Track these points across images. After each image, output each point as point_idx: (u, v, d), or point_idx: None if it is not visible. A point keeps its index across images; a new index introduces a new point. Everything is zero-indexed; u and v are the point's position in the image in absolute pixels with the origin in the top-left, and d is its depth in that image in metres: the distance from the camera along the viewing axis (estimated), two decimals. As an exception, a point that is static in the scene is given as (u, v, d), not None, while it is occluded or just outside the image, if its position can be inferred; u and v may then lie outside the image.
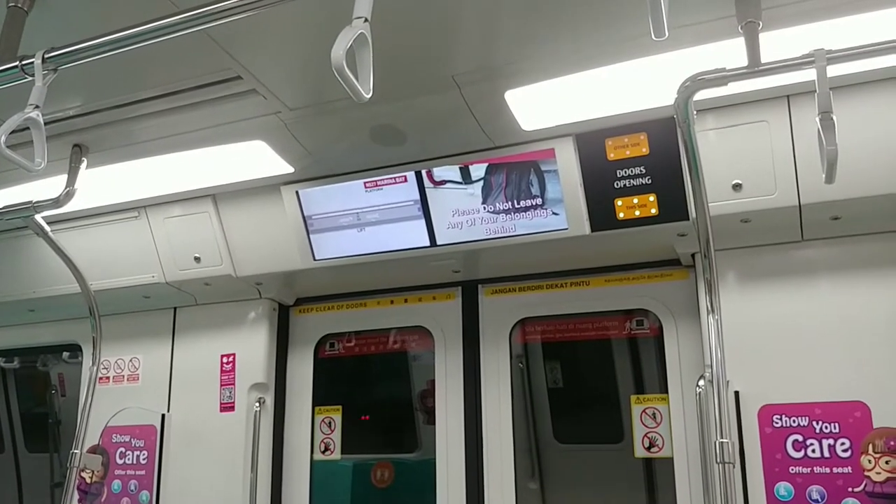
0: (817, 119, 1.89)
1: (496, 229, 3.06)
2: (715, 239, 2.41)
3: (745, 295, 2.93)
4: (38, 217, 3.07)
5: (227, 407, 3.73)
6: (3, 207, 3.02)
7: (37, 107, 2.11)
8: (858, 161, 2.53)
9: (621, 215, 2.89)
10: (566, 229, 2.96)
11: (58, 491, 4.91)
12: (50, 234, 3.17)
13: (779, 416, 2.80)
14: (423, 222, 3.16)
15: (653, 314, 3.34)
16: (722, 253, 2.85)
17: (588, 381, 4.13)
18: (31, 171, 2.12)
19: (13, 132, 2.11)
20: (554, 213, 2.96)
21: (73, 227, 3.65)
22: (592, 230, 2.95)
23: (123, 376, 4.03)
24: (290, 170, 3.15)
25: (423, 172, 3.09)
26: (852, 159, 2.48)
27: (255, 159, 3.07)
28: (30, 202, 2.96)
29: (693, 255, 3.11)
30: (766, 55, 1.93)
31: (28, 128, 2.19)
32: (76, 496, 3.82)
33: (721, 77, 1.96)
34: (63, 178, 2.96)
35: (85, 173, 2.99)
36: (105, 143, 2.95)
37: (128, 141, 2.94)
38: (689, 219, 2.81)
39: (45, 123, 2.17)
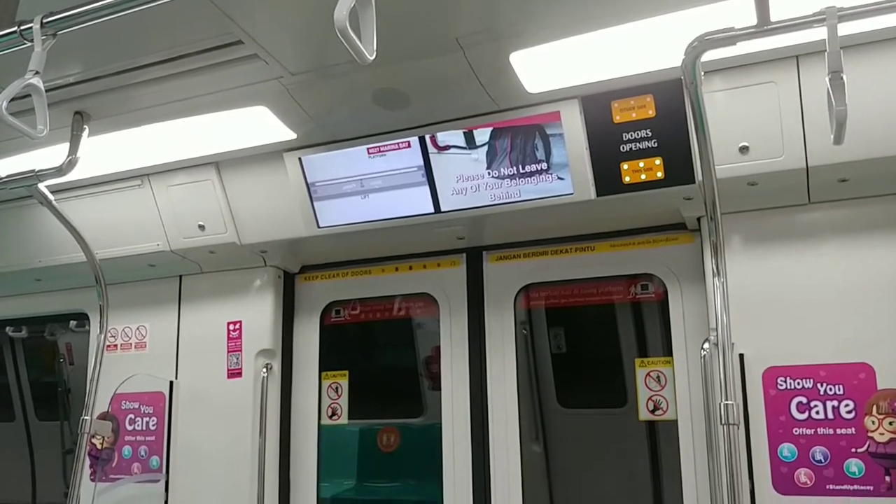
0: (827, 79, 1.86)
1: (501, 195, 3.05)
2: (721, 202, 2.40)
3: (750, 258, 2.93)
4: (42, 186, 3.08)
5: (235, 373, 3.76)
6: (7, 176, 3.03)
7: (37, 73, 2.10)
8: (868, 122, 2.51)
9: (627, 179, 2.88)
10: (571, 194, 2.95)
11: (69, 458, 4.98)
12: (54, 202, 3.17)
13: (783, 379, 2.81)
14: (426, 188, 3.14)
15: (657, 278, 3.33)
16: (728, 216, 2.83)
17: (592, 346, 4.15)
18: (34, 137, 2.12)
19: (14, 100, 2.10)
20: (559, 178, 2.94)
21: (76, 195, 3.64)
22: (598, 195, 2.93)
23: (131, 344, 4.06)
24: (293, 136, 3.13)
25: (427, 138, 3.07)
26: (862, 120, 2.45)
27: (258, 126, 3.05)
28: (33, 171, 2.97)
29: (699, 219, 3.10)
30: (776, 14, 1.90)
31: (29, 95, 2.19)
32: (87, 462, 3.86)
33: (729, 37, 1.94)
34: (65, 146, 2.96)
35: (87, 141, 2.98)
36: (106, 110, 2.93)
37: (129, 108, 2.92)
38: (695, 182, 2.79)
39: (46, 91, 2.17)
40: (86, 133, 2.96)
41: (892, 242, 2.75)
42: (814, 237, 2.87)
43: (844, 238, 2.83)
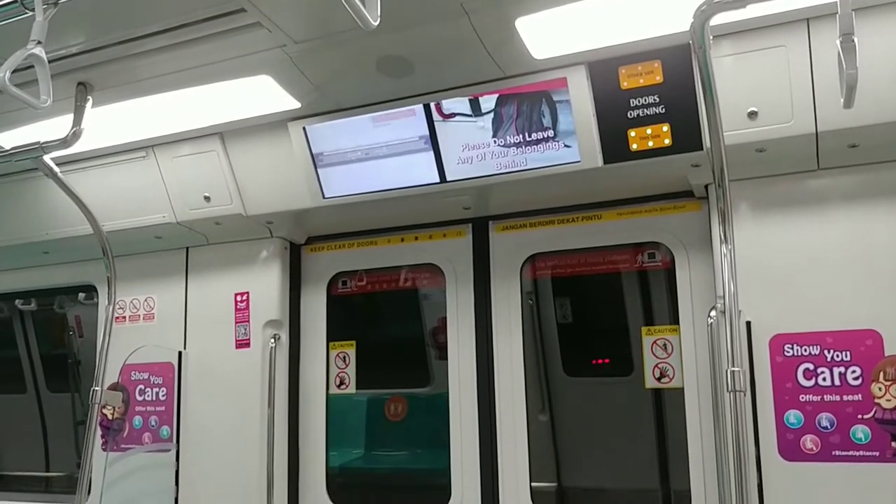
0: (838, 42, 1.84)
1: (507, 163, 3.03)
2: (729, 169, 2.38)
3: (758, 225, 2.91)
4: (47, 158, 3.08)
5: (243, 344, 3.78)
6: (12, 148, 3.03)
7: (39, 42, 2.09)
8: (879, 86, 2.48)
9: (634, 146, 2.85)
10: (578, 162, 2.93)
11: (81, 428, 5.04)
12: (59, 175, 3.18)
13: (790, 345, 2.81)
14: (432, 158, 3.12)
15: (664, 247, 3.32)
16: (736, 183, 2.82)
17: (598, 315, 4.16)
18: (38, 108, 2.11)
19: (17, 71, 2.09)
20: (566, 146, 2.92)
21: (82, 168, 3.64)
22: (605, 162, 2.91)
23: (139, 315, 4.08)
24: (297, 105, 3.11)
25: (432, 105, 3.04)
26: (872, 84, 2.43)
27: (262, 95, 3.03)
28: (38, 143, 2.96)
29: (706, 187, 3.08)
30: (787, -26, 1.87)
31: (32, 66, 2.18)
32: (99, 432, 3.91)
33: (739, -1, 1.91)
34: (69, 118, 2.95)
35: (91, 112, 2.97)
36: (110, 80, 2.91)
37: (132, 78, 2.91)
38: (702, 149, 2.77)
39: (49, 62, 2.16)
40: (89, 104, 2.95)
41: (901, 209, 2.74)
42: (822, 204, 2.85)
43: (853, 204, 2.81)
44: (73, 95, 2.93)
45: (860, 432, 2.69)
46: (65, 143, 2.92)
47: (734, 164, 2.64)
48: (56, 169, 3.15)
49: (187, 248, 4.01)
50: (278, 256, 3.83)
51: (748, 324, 2.84)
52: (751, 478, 2.64)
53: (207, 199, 3.57)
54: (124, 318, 4.09)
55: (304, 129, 3.25)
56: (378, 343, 4.39)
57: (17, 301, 5.12)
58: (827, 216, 2.84)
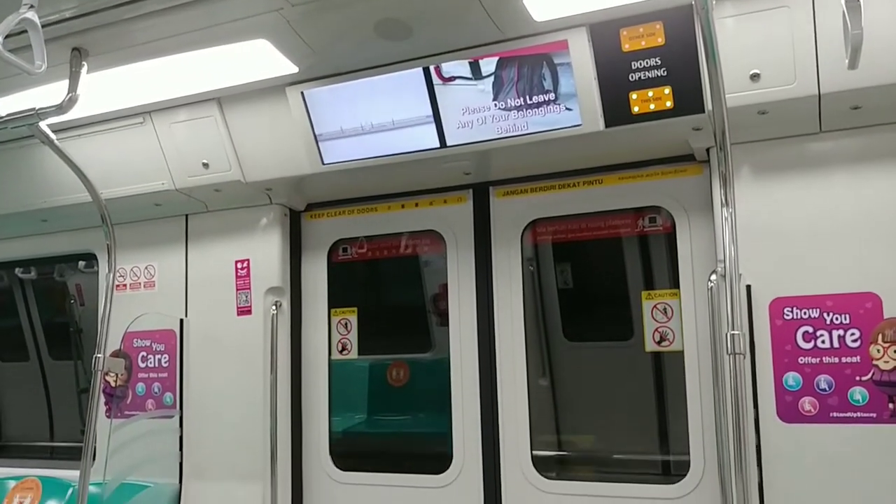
0: (843, 2, 1.81)
1: (507, 127, 3.01)
2: (731, 132, 2.35)
3: (759, 189, 2.90)
4: (43, 125, 3.06)
5: (244, 311, 3.79)
6: (7, 115, 3.00)
7: (32, 6, 2.07)
8: (883, 46, 2.45)
9: (636, 109, 2.83)
10: (580, 125, 2.91)
11: (84, 396, 5.08)
12: (56, 142, 3.15)
13: (790, 309, 2.82)
14: (432, 122, 3.10)
15: (665, 211, 3.32)
16: (737, 147, 2.81)
17: (598, 280, 4.17)
18: (32, 73, 2.09)
19: (10, 36, 2.07)
20: (567, 109, 2.90)
21: (78, 134, 3.61)
22: (606, 126, 2.89)
23: (140, 283, 4.09)
24: (295, 69, 3.08)
25: (431, 69, 3.01)
26: (877, 45, 2.40)
27: (259, 59, 2.99)
28: (33, 109, 2.93)
29: (708, 150, 3.07)
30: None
31: (26, 31, 2.15)
32: (102, 399, 3.94)
33: (743, -43, 1.87)
34: (65, 84, 2.91)
35: (86, 78, 2.93)
36: (104, 45, 2.87)
37: (127, 43, 2.86)
38: (704, 112, 2.75)
39: (42, 26, 2.13)
40: (84, 69, 2.91)
41: (904, 171, 2.73)
42: (824, 167, 2.84)
43: (854, 167, 2.80)
44: (68, 61, 2.89)
45: (858, 394, 2.71)
46: (60, 109, 2.89)
47: (736, 127, 2.63)
48: (52, 136, 3.13)
49: (187, 216, 4.00)
50: (278, 223, 3.82)
51: (748, 287, 2.85)
52: (749, 439, 2.66)
53: (206, 165, 3.55)
54: (125, 286, 4.10)
55: (301, 93, 3.22)
56: (380, 309, 4.41)
57: (16, 270, 5.12)
58: (828, 179, 2.83)
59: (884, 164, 2.75)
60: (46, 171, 3.77)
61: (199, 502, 3.81)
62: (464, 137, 3.09)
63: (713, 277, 2.90)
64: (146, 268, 4.08)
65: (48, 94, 3.03)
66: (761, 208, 2.88)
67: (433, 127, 3.12)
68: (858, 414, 2.70)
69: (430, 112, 3.09)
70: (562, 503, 3.36)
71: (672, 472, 3.52)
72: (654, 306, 3.33)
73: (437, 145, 3.15)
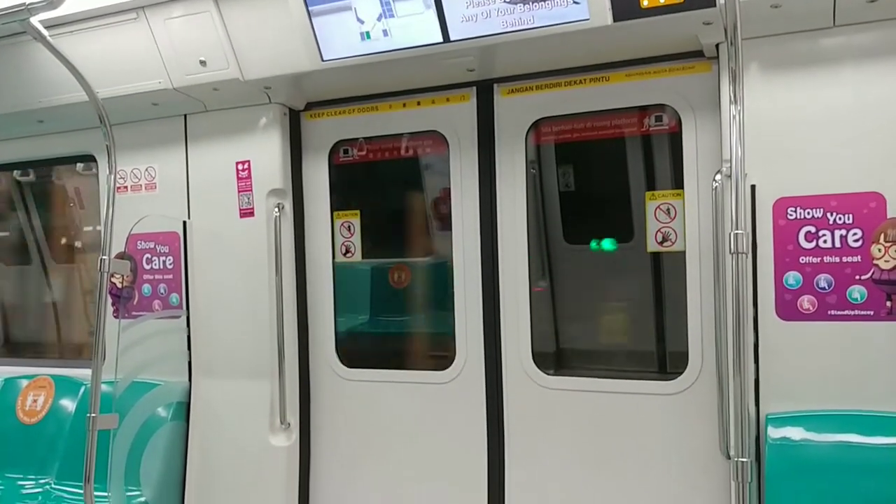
0: None
1: (513, 21, 2.92)
2: (742, 27, 2.29)
3: (768, 86, 2.85)
4: (35, 21, 2.97)
5: (247, 213, 3.79)
6: (-4, 10, 2.91)
7: None
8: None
9: (645, 3, 2.74)
10: (587, 20, 2.82)
11: (89, 298, 5.15)
12: (49, 38, 3.07)
13: (793, 209, 2.83)
14: (434, 14, 3.00)
15: (672, 109, 3.26)
16: (747, 42, 2.74)
17: (601, 181, 4.16)
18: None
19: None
20: (574, 3, 2.80)
21: (71, 31, 3.50)
22: (615, 20, 2.81)
23: (141, 185, 4.07)
24: (292, -40, 2.96)
25: (435, -42, 2.90)
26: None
27: (256, -50, 2.88)
28: (23, 3, 2.84)
29: (717, 46, 2.99)
30: None
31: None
32: (109, 300, 3.99)
33: None
34: (54, -23, 2.81)
35: (77, -30, 2.83)
36: (94, -65, 2.76)
37: (118, -68, 2.75)
38: (715, 5, 2.66)
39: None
40: (74, -39, 2.81)
41: (917, 67, 2.68)
42: (834, 63, 2.79)
43: (866, 63, 2.75)
44: (55, -48, 2.79)
45: (857, 292, 2.75)
46: (51, 3, 2.80)
47: (747, 21, 2.55)
48: (45, 32, 3.04)
49: (185, 116, 3.94)
50: (278, 123, 3.77)
51: (753, 187, 2.84)
52: (748, 337, 2.72)
53: (203, 63, 3.47)
54: (125, 187, 4.08)
55: (299, -14, 3.11)
56: (382, 212, 4.41)
57: (14, 172, 5.08)
58: (838, 76, 2.78)
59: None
60: (41, 70, 3.68)
61: (209, 398, 3.92)
62: (467, 32, 3.00)
63: (718, 177, 2.89)
64: (146, 169, 4.05)
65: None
66: (769, 106, 2.84)
67: (436, 20, 3.02)
68: (856, 312, 2.75)
69: (432, 3, 2.98)
70: (562, 398, 3.46)
71: (669, 368, 3.61)
72: (658, 207, 3.33)
73: (440, 40, 3.06)
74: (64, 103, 3.77)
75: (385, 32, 3.13)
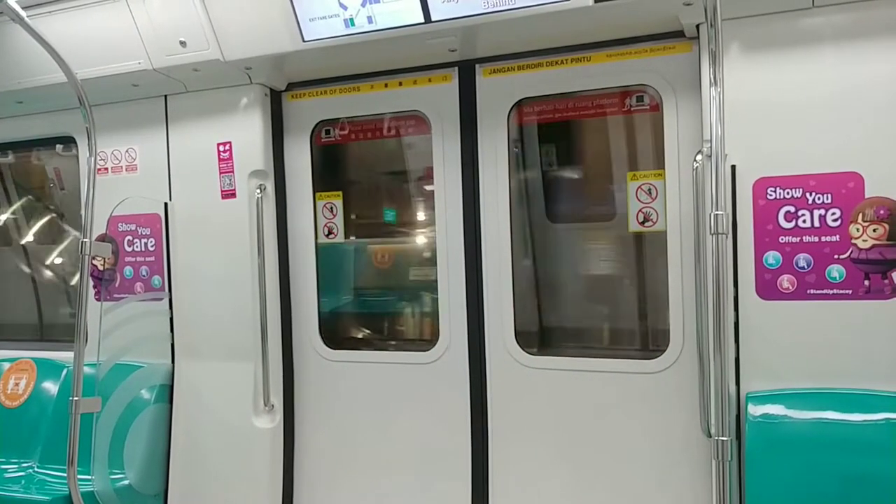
0: None
1: (495, 1, 2.90)
2: (722, 7, 2.30)
3: (748, 67, 2.86)
4: (11, 1, 2.92)
5: (229, 194, 3.77)
6: (-30, -11, 2.86)
7: None
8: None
9: (627, -18, 2.74)
10: (568, 0, 2.81)
11: (70, 279, 5.12)
12: (26, 19, 3.03)
13: (773, 189, 2.85)
14: (415, -5, 2.99)
15: (653, 89, 3.27)
16: (728, 23, 2.73)
17: (583, 161, 4.16)
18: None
19: None
20: (556, -18, 2.80)
21: (49, 11, 3.47)
22: (596, 0, 2.80)
23: (121, 167, 4.03)
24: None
25: (416, -63, 2.88)
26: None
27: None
28: (-2, -18, 2.80)
29: (698, 27, 2.99)
30: None
31: None
32: (91, 283, 3.96)
33: None
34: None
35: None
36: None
37: None
38: (696, -15, 2.67)
39: None
40: (49, -61, 2.77)
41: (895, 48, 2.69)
42: (814, 43, 2.80)
43: (846, 44, 2.76)
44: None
45: (835, 271, 2.78)
46: (27, -18, 2.76)
47: (727, 2, 2.56)
48: (22, 13, 3.00)
49: (166, 97, 3.90)
50: (259, 104, 3.74)
51: (733, 168, 2.86)
52: (728, 316, 2.74)
53: (183, 44, 3.43)
54: (106, 169, 4.04)
55: (280, -35, 3.07)
56: (364, 193, 4.39)
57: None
58: (817, 57, 2.79)
59: (875, 40, 2.72)
60: (19, 51, 3.62)
61: (192, 380, 3.92)
62: (449, 12, 2.99)
63: (699, 157, 2.91)
64: (127, 151, 4.01)
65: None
66: (749, 87, 2.85)
67: (417, 0, 3.00)
68: (835, 291, 2.78)
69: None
70: (544, 377, 3.48)
71: (651, 347, 3.65)
72: (639, 187, 3.34)
73: (422, 20, 3.05)
74: (43, 84, 3.73)
75: (370, 19, 3.12)
